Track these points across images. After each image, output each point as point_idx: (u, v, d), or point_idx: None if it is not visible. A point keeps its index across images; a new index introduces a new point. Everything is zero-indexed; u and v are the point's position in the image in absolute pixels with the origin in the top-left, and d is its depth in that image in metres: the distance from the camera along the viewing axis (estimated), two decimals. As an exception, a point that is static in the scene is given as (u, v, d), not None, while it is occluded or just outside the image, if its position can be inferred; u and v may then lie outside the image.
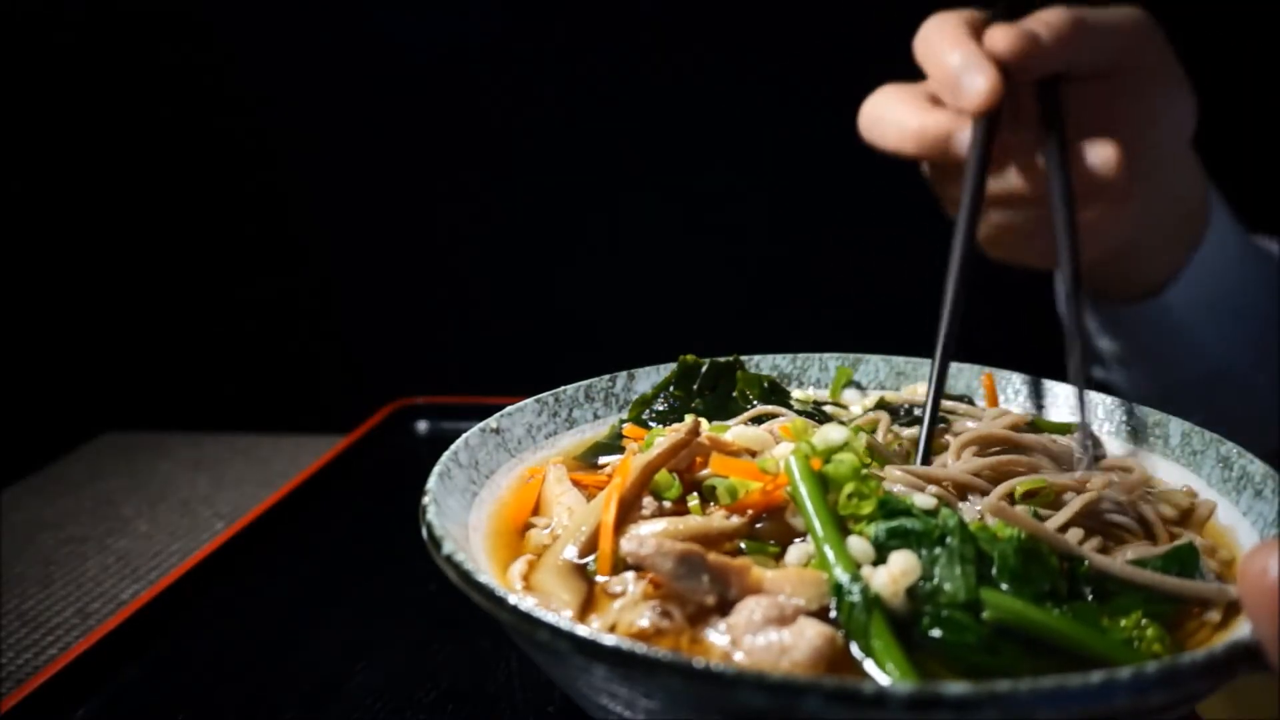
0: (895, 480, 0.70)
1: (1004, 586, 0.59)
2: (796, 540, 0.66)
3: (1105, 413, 0.87)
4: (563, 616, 0.59)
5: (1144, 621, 0.59)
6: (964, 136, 0.89)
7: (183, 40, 1.82)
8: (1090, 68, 0.92)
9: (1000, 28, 0.88)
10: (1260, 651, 0.50)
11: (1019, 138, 0.92)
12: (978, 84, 0.86)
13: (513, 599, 0.55)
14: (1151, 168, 0.96)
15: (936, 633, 0.57)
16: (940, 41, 0.90)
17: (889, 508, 0.63)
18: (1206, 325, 1.15)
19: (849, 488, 0.65)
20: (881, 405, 0.91)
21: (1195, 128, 1.01)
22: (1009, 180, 0.94)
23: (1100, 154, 0.89)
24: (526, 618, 0.53)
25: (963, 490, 0.71)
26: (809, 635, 0.55)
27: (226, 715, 0.81)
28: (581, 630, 0.51)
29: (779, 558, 0.65)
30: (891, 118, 0.94)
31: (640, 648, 0.50)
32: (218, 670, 0.86)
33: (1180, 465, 0.79)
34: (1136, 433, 0.84)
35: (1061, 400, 0.91)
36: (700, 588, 0.59)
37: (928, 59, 0.92)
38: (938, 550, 0.60)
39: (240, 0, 1.78)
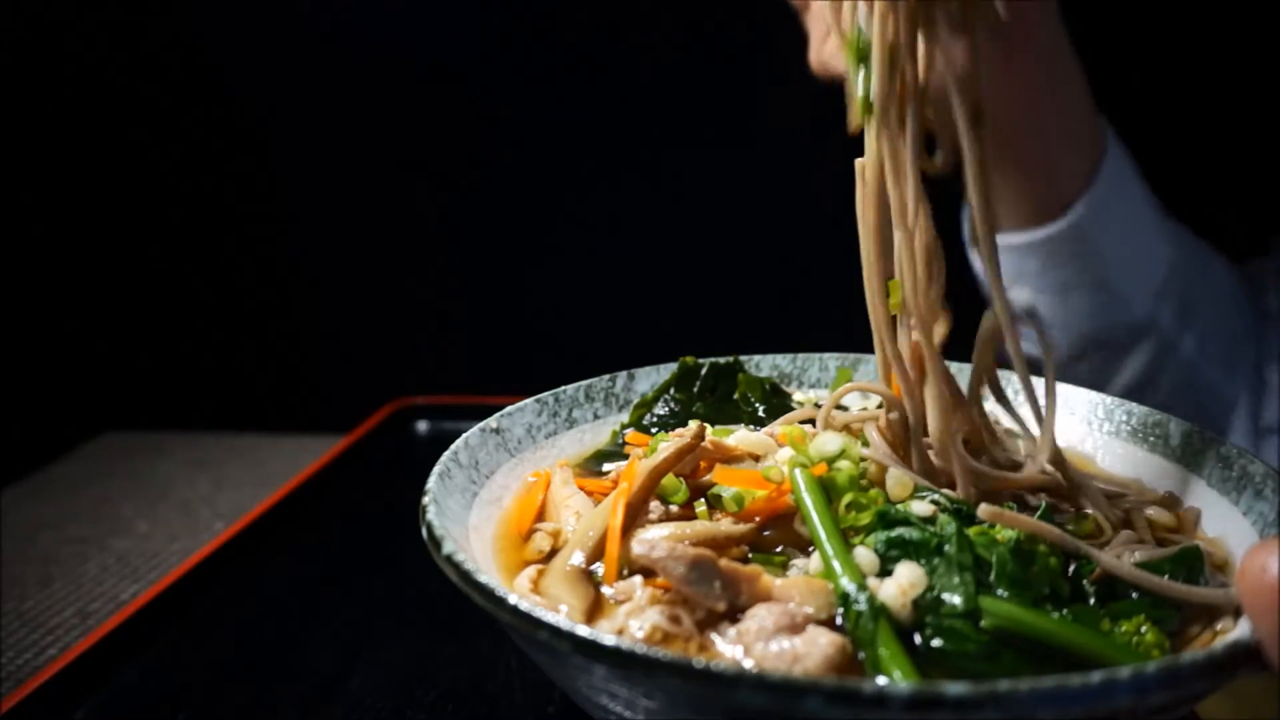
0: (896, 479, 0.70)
1: (1002, 592, 0.59)
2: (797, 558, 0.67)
3: (1105, 412, 0.87)
4: (564, 617, 0.59)
5: (1144, 628, 0.59)
6: None
7: (183, 42, 1.82)
8: None
9: None
10: (1260, 651, 0.50)
11: None
12: None
13: (513, 599, 0.55)
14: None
15: (938, 642, 0.57)
16: None
17: (888, 518, 0.64)
18: (1120, 258, 1.20)
19: (847, 498, 0.66)
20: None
21: None
22: None
23: None
24: (527, 618, 0.53)
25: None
26: (822, 644, 0.56)
27: (226, 715, 0.81)
28: (581, 630, 0.51)
29: (784, 566, 0.66)
30: None
31: (640, 647, 0.50)
32: (218, 670, 0.86)
33: (1180, 465, 0.79)
34: (1136, 433, 0.84)
35: (1065, 401, 0.91)
36: (712, 593, 0.59)
37: None
38: (936, 560, 0.60)
39: (241, 5, 1.78)
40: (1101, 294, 1.21)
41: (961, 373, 0.96)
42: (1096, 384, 1.28)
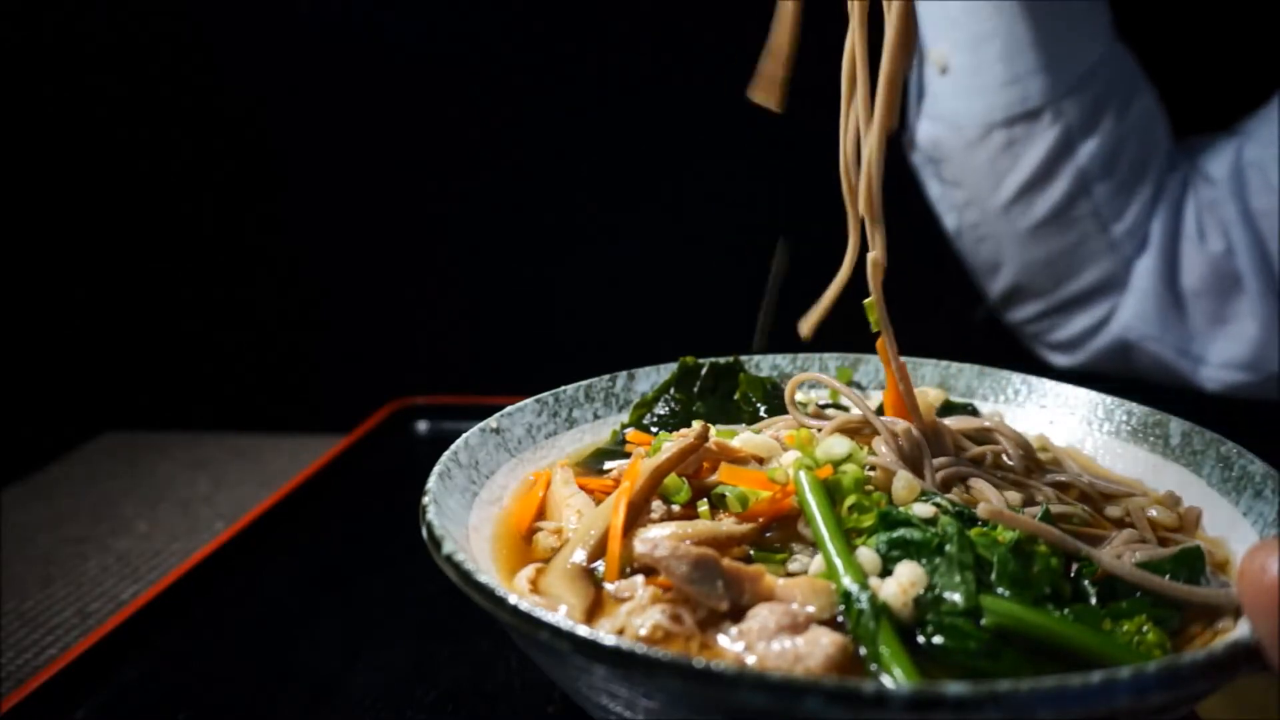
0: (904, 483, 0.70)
1: (1003, 591, 0.59)
2: (799, 553, 0.67)
3: (1105, 412, 0.87)
4: (565, 617, 0.59)
5: (1145, 627, 0.59)
6: None
7: (183, 41, 1.82)
8: None
9: None
10: (1260, 651, 0.50)
11: None
12: None
13: (513, 599, 0.55)
14: None
15: (939, 639, 0.57)
16: None
17: (890, 519, 0.64)
18: (1045, 25, 1.20)
19: (850, 500, 0.67)
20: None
21: None
22: None
23: None
24: (527, 618, 0.53)
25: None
26: (824, 643, 0.56)
27: (226, 715, 0.81)
28: (582, 630, 0.51)
29: (785, 564, 0.66)
30: None
31: (639, 647, 0.50)
32: (218, 670, 0.86)
33: (1180, 465, 0.79)
34: (1136, 433, 0.84)
35: (1065, 401, 0.91)
36: (714, 593, 0.59)
37: None
38: (938, 559, 0.60)
39: (240, 4, 1.78)
40: (1016, 62, 1.21)
41: (961, 374, 0.97)
42: (995, 175, 1.29)
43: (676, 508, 0.71)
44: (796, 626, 0.57)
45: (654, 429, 0.88)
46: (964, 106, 1.27)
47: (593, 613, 0.62)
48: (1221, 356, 1.29)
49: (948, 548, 0.60)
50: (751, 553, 0.67)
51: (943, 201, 1.39)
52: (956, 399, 0.95)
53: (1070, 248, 1.31)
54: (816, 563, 0.64)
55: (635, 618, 0.59)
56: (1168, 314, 1.29)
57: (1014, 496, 0.73)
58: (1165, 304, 1.29)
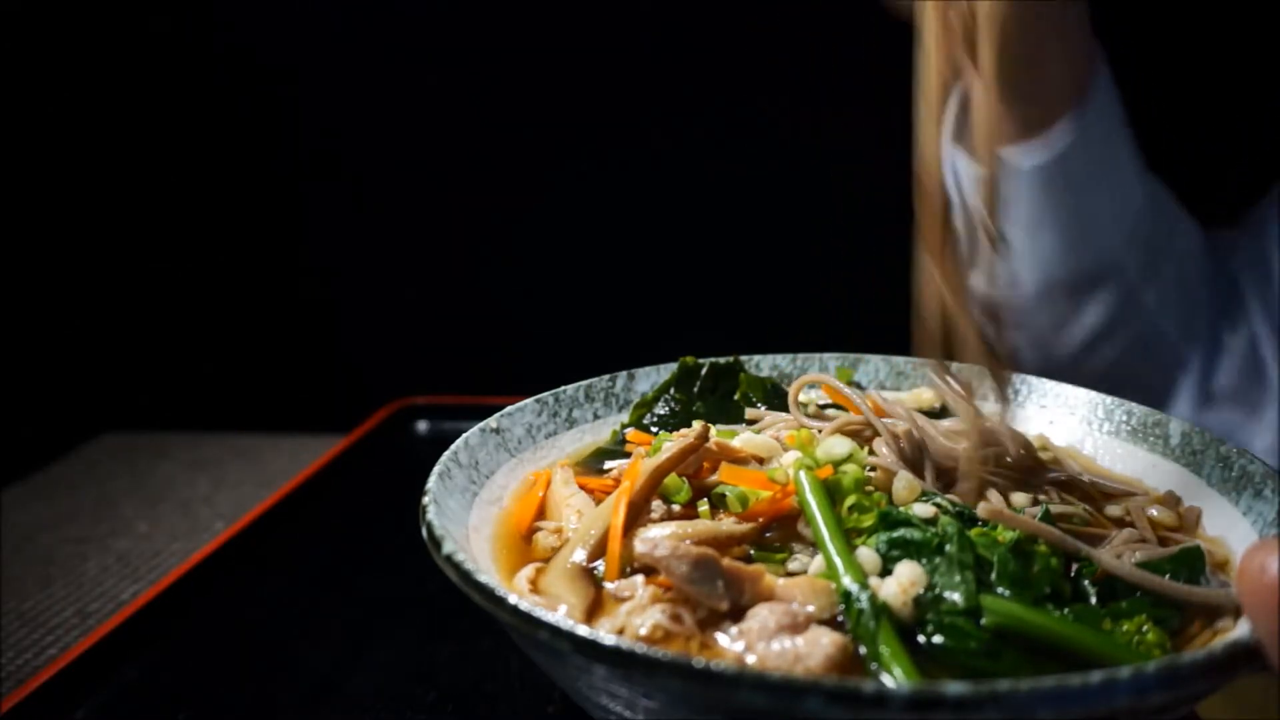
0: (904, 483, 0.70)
1: (1003, 591, 0.59)
2: (799, 553, 0.67)
3: (1105, 412, 0.87)
4: (565, 617, 0.59)
5: (1145, 627, 0.59)
6: None
7: (184, 41, 1.82)
8: None
9: None
10: (1260, 651, 0.50)
11: None
12: None
13: (513, 598, 0.55)
14: None
15: (939, 639, 0.57)
16: None
17: (890, 519, 0.65)
18: (1095, 195, 1.18)
19: (850, 500, 0.67)
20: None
21: None
22: None
23: None
24: (527, 617, 0.53)
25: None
26: (824, 643, 0.56)
27: (226, 715, 0.81)
28: (581, 630, 0.51)
29: (785, 564, 0.66)
30: None
31: (639, 647, 0.50)
32: (218, 670, 0.86)
33: (1180, 465, 0.79)
34: (1136, 433, 0.84)
35: (1064, 401, 0.91)
36: (714, 592, 0.59)
37: None
38: (938, 559, 0.60)
39: (241, 4, 1.78)
40: (1071, 232, 1.20)
41: (961, 374, 0.97)
42: (1058, 327, 1.27)
43: (676, 508, 0.71)
44: (796, 626, 0.57)
45: (654, 429, 0.88)
46: (1022, 274, 1.25)
47: (593, 612, 0.62)
48: (1261, 445, 1.28)
49: (948, 547, 0.61)
50: (751, 553, 0.67)
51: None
52: (956, 399, 0.95)
53: (1147, 377, 1.30)
54: (816, 563, 0.64)
55: (635, 617, 0.59)
56: (1204, 412, 1.29)
57: (1014, 496, 0.73)
58: (1201, 403, 1.29)
